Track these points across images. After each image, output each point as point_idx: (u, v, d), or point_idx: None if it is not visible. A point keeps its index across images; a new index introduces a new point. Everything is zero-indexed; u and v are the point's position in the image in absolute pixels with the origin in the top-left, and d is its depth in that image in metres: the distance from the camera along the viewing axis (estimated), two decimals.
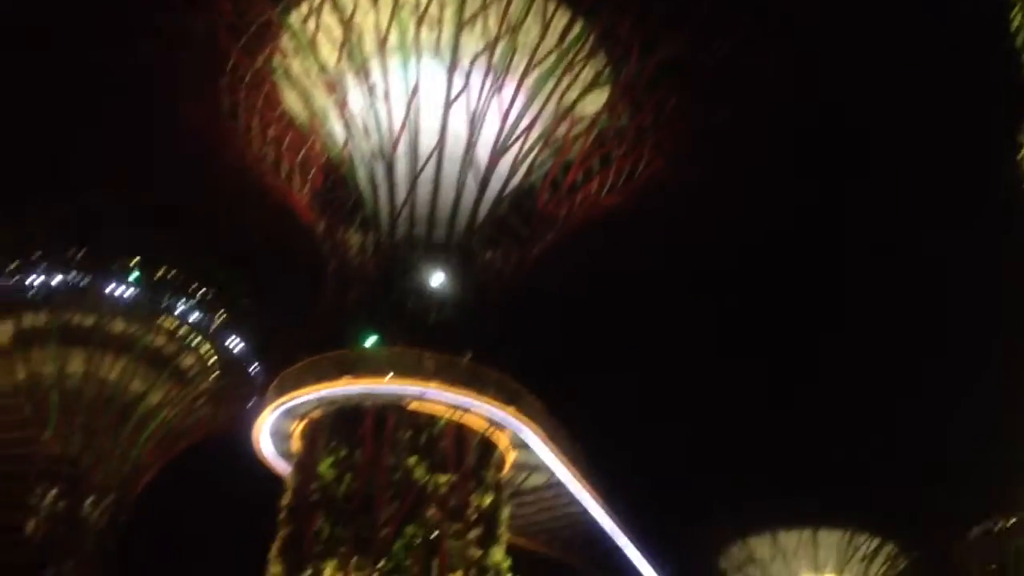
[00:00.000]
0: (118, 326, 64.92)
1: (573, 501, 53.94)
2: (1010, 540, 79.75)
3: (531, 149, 51.72)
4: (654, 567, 61.98)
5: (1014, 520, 79.64)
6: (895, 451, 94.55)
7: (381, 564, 42.56)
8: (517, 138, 50.97)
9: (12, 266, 65.25)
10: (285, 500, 47.28)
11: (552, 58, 49.96)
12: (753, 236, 75.03)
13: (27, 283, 64.93)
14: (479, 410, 47.01)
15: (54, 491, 62.53)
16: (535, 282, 54.90)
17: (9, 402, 65.01)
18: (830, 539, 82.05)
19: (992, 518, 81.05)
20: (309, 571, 43.43)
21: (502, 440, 48.56)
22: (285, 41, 50.72)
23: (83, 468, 63.67)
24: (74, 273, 65.19)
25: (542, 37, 49.40)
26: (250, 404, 64.11)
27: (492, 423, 47.58)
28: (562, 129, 52.22)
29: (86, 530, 62.39)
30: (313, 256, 53.46)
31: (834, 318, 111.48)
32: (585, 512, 54.65)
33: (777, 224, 77.71)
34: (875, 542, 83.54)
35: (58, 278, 65.08)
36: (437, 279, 50.40)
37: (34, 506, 62.20)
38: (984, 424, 72.77)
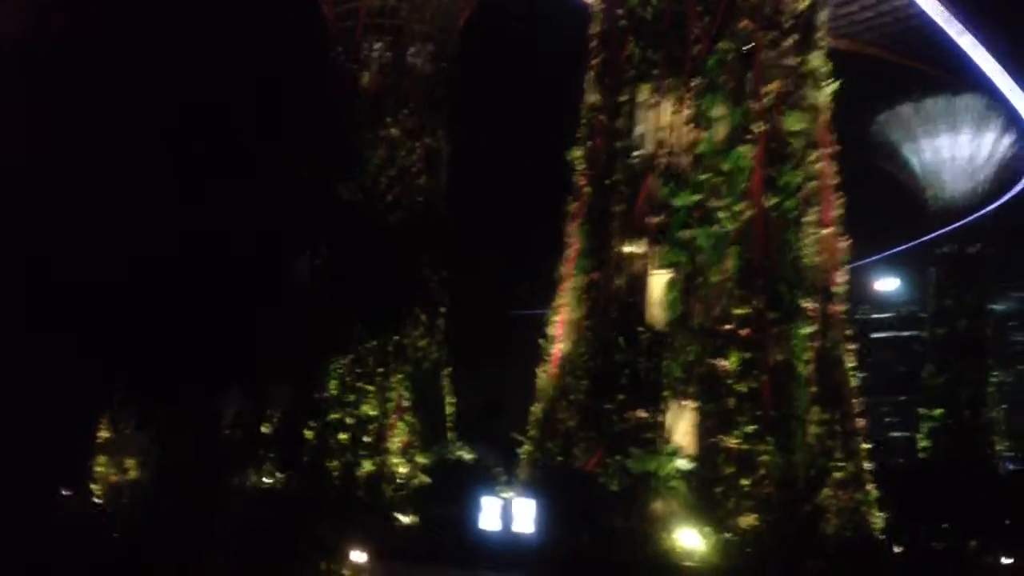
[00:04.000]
0: None
1: None
2: None
3: None
4: (998, 58, 57.20)
5: None
6: None
7: (695, 83, 42.02)
8: None
9: None
10: (594, 28, 46.96)
11: None
12: None
13: None
14: None
15: (379, 44, 65.33)
16: None
17: None
18: None
19: None
20: (624, 96, 43.82)
21: None
22: None
23: (402, 19, 65.46)
24: None
25: None
26: None
27: None
28: None
29: (414, 78, 65.42)
30: None
31: None
32: (913, 3, 50.58)
33: None
34: None
35: None
36: None
37: (365, 58, 65.40)
38: None
